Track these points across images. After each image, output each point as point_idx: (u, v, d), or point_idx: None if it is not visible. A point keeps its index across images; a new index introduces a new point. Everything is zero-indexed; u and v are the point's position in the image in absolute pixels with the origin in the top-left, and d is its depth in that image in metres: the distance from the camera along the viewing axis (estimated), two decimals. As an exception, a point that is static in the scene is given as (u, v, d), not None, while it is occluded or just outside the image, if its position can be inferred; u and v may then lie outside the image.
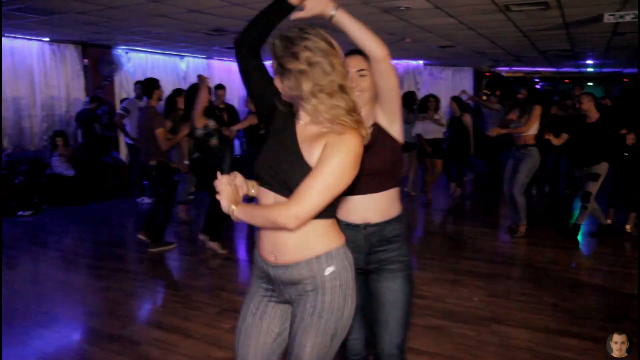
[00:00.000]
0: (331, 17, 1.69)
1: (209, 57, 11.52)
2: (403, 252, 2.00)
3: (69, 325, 3.64)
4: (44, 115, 8.54)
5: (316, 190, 1.48)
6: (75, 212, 7.32)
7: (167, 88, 9.12)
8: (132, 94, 8.74)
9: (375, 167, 1.88)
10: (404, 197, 7.96)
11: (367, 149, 1.71)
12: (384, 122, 1.94)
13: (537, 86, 17.52)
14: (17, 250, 5.57)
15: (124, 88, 9.65)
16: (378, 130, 1.93)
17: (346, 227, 1.89)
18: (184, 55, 11.03)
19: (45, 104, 8.55)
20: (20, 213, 6.98)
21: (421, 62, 12.86)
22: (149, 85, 5.50)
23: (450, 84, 13.63)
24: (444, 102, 12.14)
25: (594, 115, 5.39)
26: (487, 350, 3.14)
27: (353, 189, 1.79)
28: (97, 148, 8.12)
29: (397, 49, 10.25)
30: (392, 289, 1.96)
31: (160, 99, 5.60)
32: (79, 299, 4.21)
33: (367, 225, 1.95)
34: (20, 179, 7.34)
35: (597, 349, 3.10)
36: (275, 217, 1.51)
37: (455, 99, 8.55)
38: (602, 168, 5.35)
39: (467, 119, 8.31)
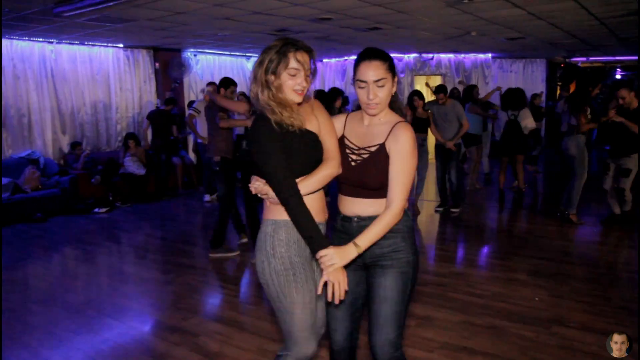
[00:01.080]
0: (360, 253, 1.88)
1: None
2: (398, 249, 1.96)
3: (135, 317, 3.83)
4: (119, 118, 9.06)
5: None
6: (146, 209, 7.69)
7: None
8: (201, 96, 9.07)
9: (366, 183, 1.96)
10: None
11: (364, 164, 1.96)
12: (389, 149, 1.93)
13: (618, 76, 16.46)
14: (92, 245, 5.93)
15: (192, 89, 10.04)
16: (380, 153, 1.94)
17: (342, 220, 2.06)
18: (250, 56, 11.31)
19: (120, 107, 9.06)
20: (96, 210, 7.42)
21: (489, 55, 12.42)
22: (219, 83, 5.62)
23: (522, 77, 13.07)
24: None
25: (634, 104, 5.38)
26: (547, 352, 3.00)
27: (341, 188, 2.05)
28: (169, 148, 8.47)
29: (463, 43, 9.96)
30: (382, 285, 1.96)
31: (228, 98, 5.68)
32: (146, 292, 4.42)
33: (358, 218, 2.00)
34: (96, 178, 7.79)
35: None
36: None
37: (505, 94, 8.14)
38: (633, 162, 5.31)
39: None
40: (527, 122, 7.30)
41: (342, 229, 2.06)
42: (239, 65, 11.20)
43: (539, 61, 13.31)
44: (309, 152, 1.90)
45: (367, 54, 1.93)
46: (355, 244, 1.84)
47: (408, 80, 12.06)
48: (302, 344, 1.97)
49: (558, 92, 9.49)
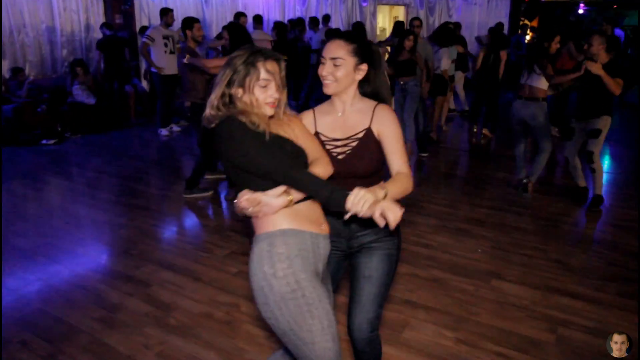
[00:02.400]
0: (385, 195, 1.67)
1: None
2: (385, 234, 1.97)
3: (84, 263, 3.81)
4: (64, 41, 8.52)
5: None
6: (97, 141, 7.46)
7: (187, 13, 8.94)
8: (155, 21, 8.59)
9: (358, 172, 1.91)
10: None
11: (353, 153, 1.90)
12: (376, 132, 1.93)
13: (580, 11, 16.45)
14: (40, 181, 5.76)
15: (145, 12, 9.46)
16: (369, 137, 1.92)
17: (328, 214, 1.89)
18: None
19: (65, 30, 8.50)
20: (44, 142, 7.15)
21: (454, -15, 12.18)
22: (182, 25, 5.49)
23: (485, 11, 12.93)
24: (476, 32, 11.62)
25: (603, 59, 4.58)
26: (484, 307, 3.20)
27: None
28: (121, 75, 8.11)
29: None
30: (367, 265, 1.97)
31: (197, 42, 5.49)
32: (98, 237, 4.40)
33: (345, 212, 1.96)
34: (42, 107, 7.43)
35: (590, 310, 3.15)
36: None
37: (491, 31, 8.08)
38: (603, 122, 4.69)
39: (502, 54, 7.80)
40: (443, 62, 7.24)
41: (332, 235, 1.92)
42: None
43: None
44: (289, 155, 1.71)
45: (334, 33, 1.94)
46: (384, 188, 1.69)
47: (371, 9, 11.73)
48: None
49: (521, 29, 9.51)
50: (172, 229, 4.67)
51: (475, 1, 12.96)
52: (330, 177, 1.84)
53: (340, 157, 1.92)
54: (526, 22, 10.86)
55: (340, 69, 1.89)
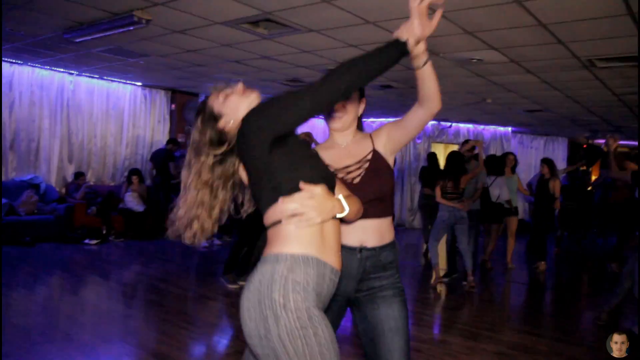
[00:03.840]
0: (425, 62, 1.66)
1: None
2: (396, 280, 1.91)
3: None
4: (128, 154, 9.09)
5: None
6: (139, 246, 7.50)
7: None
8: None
9: (376, 192, 1.87)
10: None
11: (368, 173, 1.88)
12: (383, 151, 1.94)
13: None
14: (68, 275, 5.73)
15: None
16: (377, 158, 1.92)
17: (342, 250, 1.68)
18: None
19: (131, 144, 9.11)
20: (86, 241, 7.28)
21: (509, 128, 12.30)
22: None
23: (542, 155, 12.80)
24: (532, 174, 11.41)
25: None
26: None
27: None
28: (169, 186, 8.41)
29: (481, 112, 9.88)
30: (391, 316, 1.84)
31: None
32: (121, 334, 4.09)
33: (362, 249, 1.87)
34: (92, 209, 7.70)
35: None
36: None
37: (546, 161, 7.90)
38: None
39: (556, 185, 7.52)
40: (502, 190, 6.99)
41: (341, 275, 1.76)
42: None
43: (561, 139, 13.12)
44: (316, 161, 1.58)
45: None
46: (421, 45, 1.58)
47: (424, 146, 11.93)
48: None
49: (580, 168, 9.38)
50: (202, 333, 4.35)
51: (532, 145, 12.95)
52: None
53: (356, 180, 1.88)
54: (584, 167, 10.55)
55: (349, 101, 1.94)
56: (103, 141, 8.76)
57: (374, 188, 1.86)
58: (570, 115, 9.29)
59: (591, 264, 8.38)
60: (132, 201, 8.00)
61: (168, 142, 8.80)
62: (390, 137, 1.92)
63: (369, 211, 1.81)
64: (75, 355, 3.37)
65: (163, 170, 8.38)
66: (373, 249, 1.87)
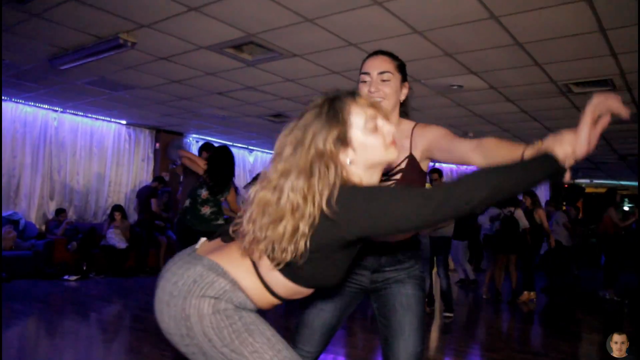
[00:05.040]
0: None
1: (277, 153, 11.85)
2: (415, 269, 1.84)
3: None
4: (110, 191, 9.00)
5: None
6: (119, 283, 7.28)
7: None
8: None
9: None
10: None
11: (398, 182, 1.72)
12: (420, 156, 1.75)
13: (626, 208, 16.10)
14: (41, 311, 5.53)
15: (190, 174, 10.02)
16: (412, 166, 1.74)
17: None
18: (252, 149, 11.48)
19: (114, 182, 9.04)
20: (66, 277, 7.06)
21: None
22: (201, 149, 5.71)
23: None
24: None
25: None
26: None
27: None
28: (150, 225, 8.29)
29: (463, 149, 10.01)
30: (403, 293, 1.79)
31: None
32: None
33: (378, 269, 1.82)
34: (73, 244, 7.52)
35: None
36: None
37: (527, 192, 7.95)
38: None
39: (541, 214, 7.59)
40: (523, 221, 7.05)
41: (356, 267, 1.77)
42: (240, 157, 11.31)
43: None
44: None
45: (375, 51, 1.82)
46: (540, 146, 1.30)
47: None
48: None
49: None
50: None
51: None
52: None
53: None
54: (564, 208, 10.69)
55: (389, 84, 1.74)
56: (86, 179, 8.68)
57: None
58: (550, 150, 9.44)
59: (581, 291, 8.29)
60: (114, 238, 7.83)
61: (154, 179, 8.77)
62: (433, 145, 1.70)
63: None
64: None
65: (146, 207, 8.28)
66: (388, 244, 1.79)
